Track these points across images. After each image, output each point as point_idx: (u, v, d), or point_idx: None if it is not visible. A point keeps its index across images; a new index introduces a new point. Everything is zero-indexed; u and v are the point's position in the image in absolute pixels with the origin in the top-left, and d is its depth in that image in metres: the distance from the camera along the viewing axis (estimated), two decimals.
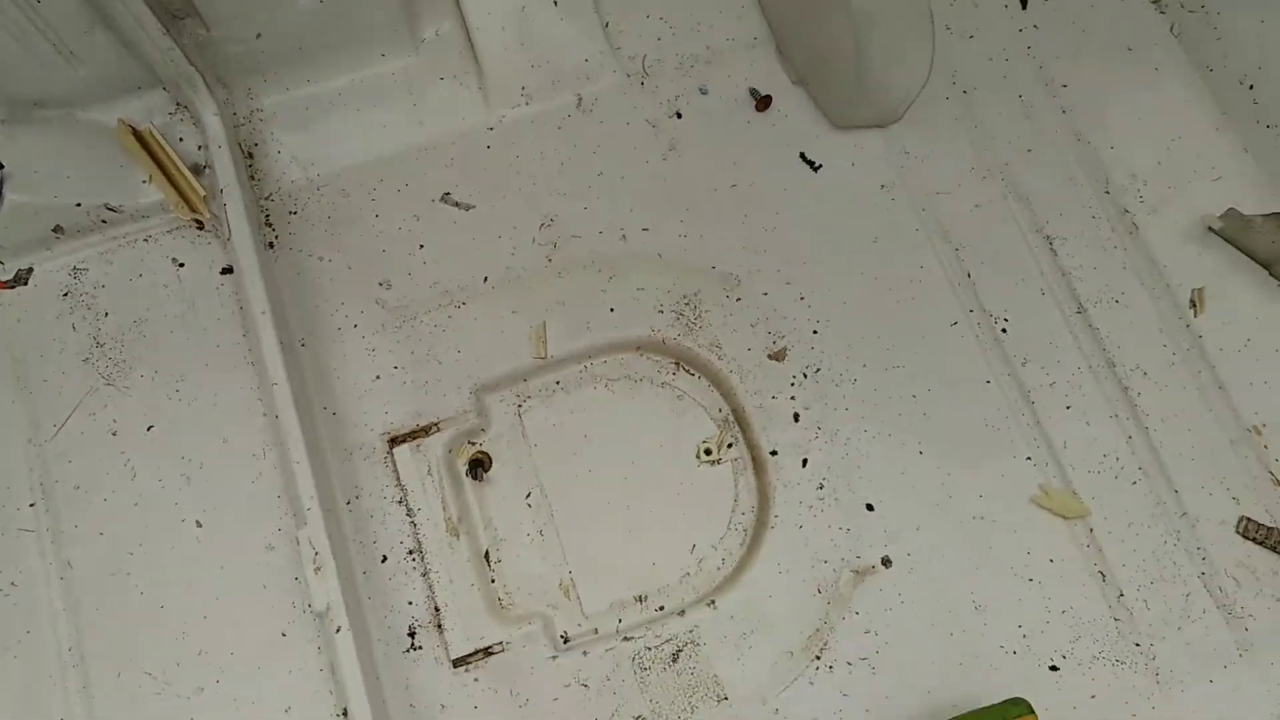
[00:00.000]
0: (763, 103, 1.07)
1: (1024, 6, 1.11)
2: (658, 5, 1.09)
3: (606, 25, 1.07)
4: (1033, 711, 0.81)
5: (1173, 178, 1.05)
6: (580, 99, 1.06)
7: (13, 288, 0.93)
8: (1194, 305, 1.00)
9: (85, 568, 0.89)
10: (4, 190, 0.90)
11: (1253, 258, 1.01)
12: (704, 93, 1.08)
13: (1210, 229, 1.02)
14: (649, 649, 0.89)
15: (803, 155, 1.05)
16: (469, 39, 1.03)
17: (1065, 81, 1.08)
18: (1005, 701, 0.81)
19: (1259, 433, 0.96)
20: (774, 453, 0.95)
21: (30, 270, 0.96)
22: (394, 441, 0.95)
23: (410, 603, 0.90)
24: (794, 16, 1.04)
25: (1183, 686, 0.88)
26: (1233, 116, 1.06)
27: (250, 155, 1.02)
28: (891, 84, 0.99)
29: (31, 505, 0.91)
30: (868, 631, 0.90)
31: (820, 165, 1.05)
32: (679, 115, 1.07)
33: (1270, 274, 1.01)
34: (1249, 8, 1.03)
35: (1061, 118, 1.07)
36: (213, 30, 0.93)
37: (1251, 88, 1.04)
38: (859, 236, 1.02)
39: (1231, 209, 1.00)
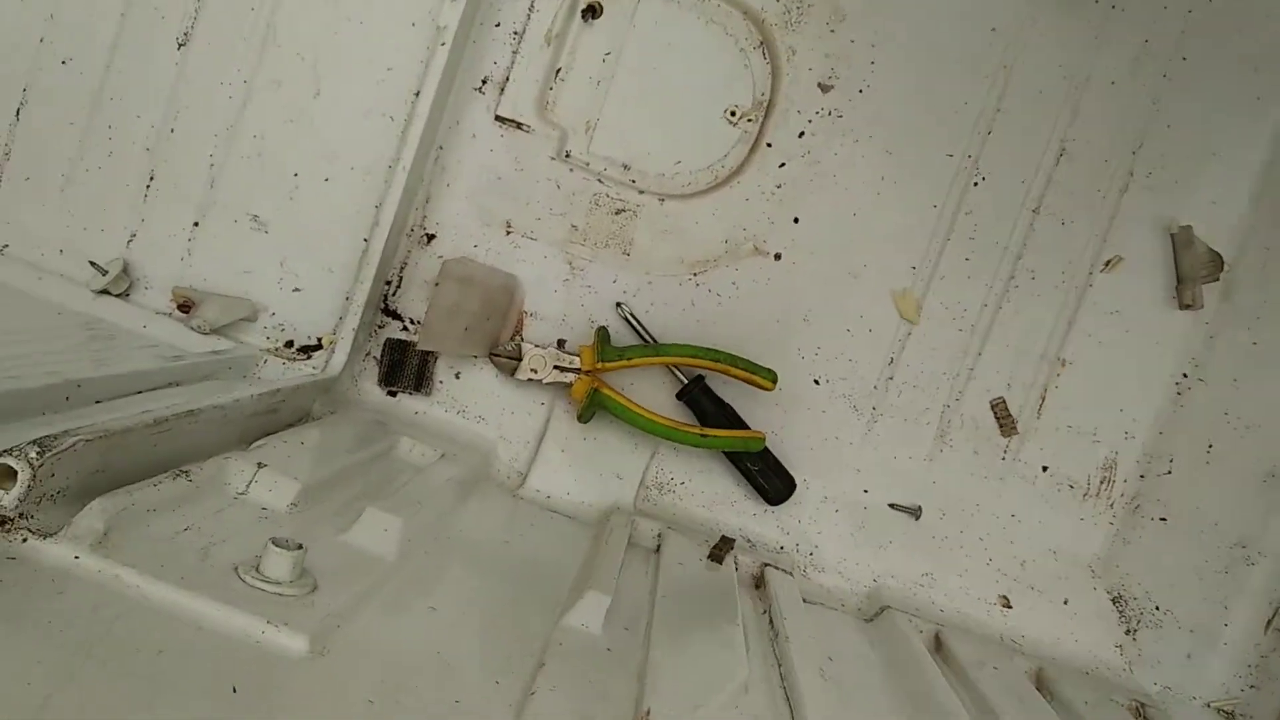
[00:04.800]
0: None
1: None
2: None
3: None
4: (773, 385, 1.21)
5: (1187, 178, 1.25)
6: None
7: None
8: (1108, 264, 1.26)
9: None
10: None
11: (1176, 268, 1.25)
12: None
13: (1170, 230, 1.25)
14: (608, 196, 1.28)
15: None
16: None
17: (1183, 60, 1.23)
18: (765, 366, 1.21)
19: (1063, 365, 1.27)
20: (769, 145, 1.27)
21: None
22: None
23: (495, 62, 1.27)
24: None
25: (877, 442, 1.28)
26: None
27: None
28: None
29: None
30: (733, 283, 1.27)
31: None
32: None
33: (1176, 286, 1.25)
34: None
35: (1160, 79, 1.24)
36: None
37: None
38: (948, 50, 1.24)
39: (1188, 226, 1.22)
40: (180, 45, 1.27)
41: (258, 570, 0.71)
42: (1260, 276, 1.24)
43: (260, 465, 0.88)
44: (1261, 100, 1.24)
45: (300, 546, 0.73)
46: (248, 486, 0.87)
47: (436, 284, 1.21)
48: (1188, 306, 1.24)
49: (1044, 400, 1.27)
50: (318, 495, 0.91)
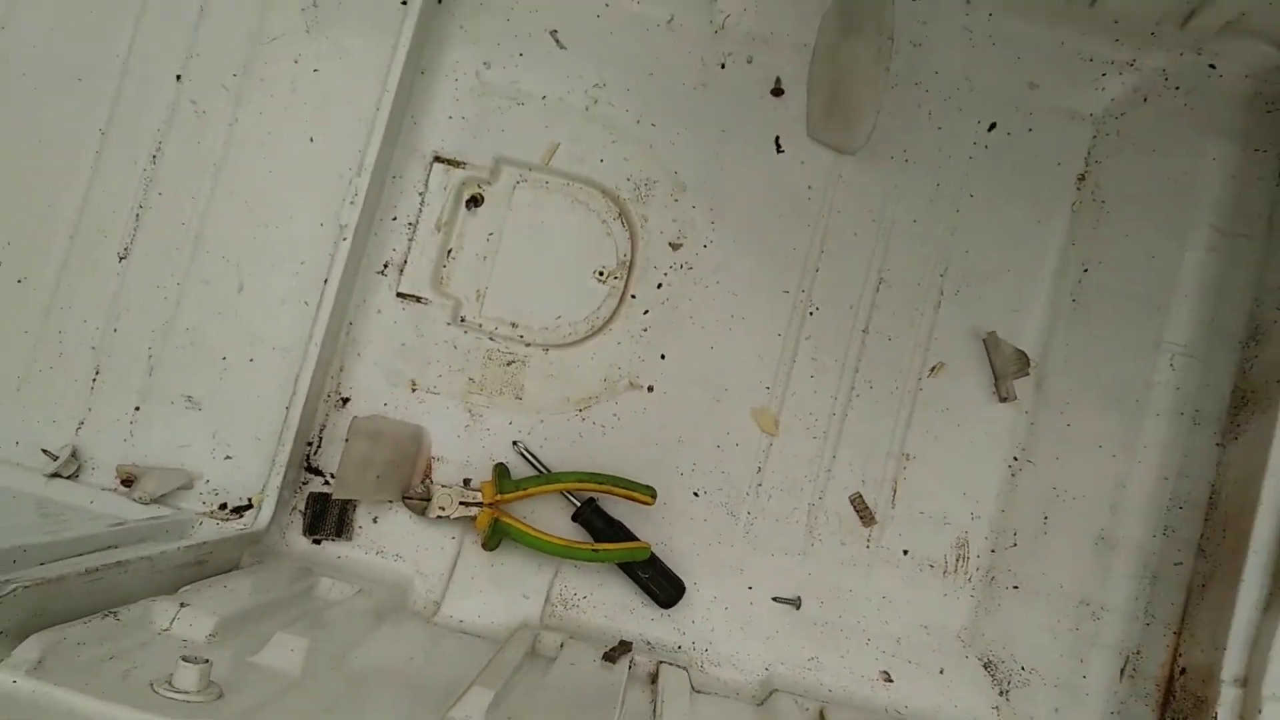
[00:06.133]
0: (778, 91, 1.50)
1: (991, 128, 1.49)
2: None
3: None
4: (653, 500, 1.37)
5: (988, 291, 1.46)
6: (672, 18, 1.51)
7: None
8: (932, 370, 1.45)
9: (212, 105, 1.49)
10: None
11: (991, 367, 1.45)
12: (749, 61, 1.50)
13: (981, 336, 1.45)
14: (499, 351, 1.47)
15: (776, 139, 1.49)
16: None
17: (970, 197, 1.48)
18: (644, 484, 1.37)
19: (907, 459, 1.44)
20: (633, 296, 1.48)
21: None
22: (437, 159, 1.50)
23: (394, 250, 1.48)
24: (824, 43, 1.46)
25: (754, 543, 1.43)
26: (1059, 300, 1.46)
27: None
28: (847, 129, 1.42)
29: (234, 76, 1.50)
30: (614, 415, 1.45)
31: (783, 151, 1.49)
32: (722, 66, 1.50)
33: (994, 383, 1.44)
34: None
35: (954, 213, 1.48)
36: None
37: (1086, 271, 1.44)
38: (773, 206, 1.48)
39: (994, 333, 1.43)
40: (121, 258, 1.48)
41: (170, 683, 0.85)
42: (1064, 368, 1.44)
43: (182, 605, 1.02)
44: (1041, 223, 1.47)
45: (207, 660, 0.86)
46: (171, 623, 1.00)
47: (347, 439, 1.37)
48: (1005, 399, 1.43)
49: (896, 491, 1.44)
50: (235, 628, 1.04)
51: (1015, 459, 1.44)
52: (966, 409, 1.45)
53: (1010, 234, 1.48)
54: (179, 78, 1.51)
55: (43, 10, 1.53)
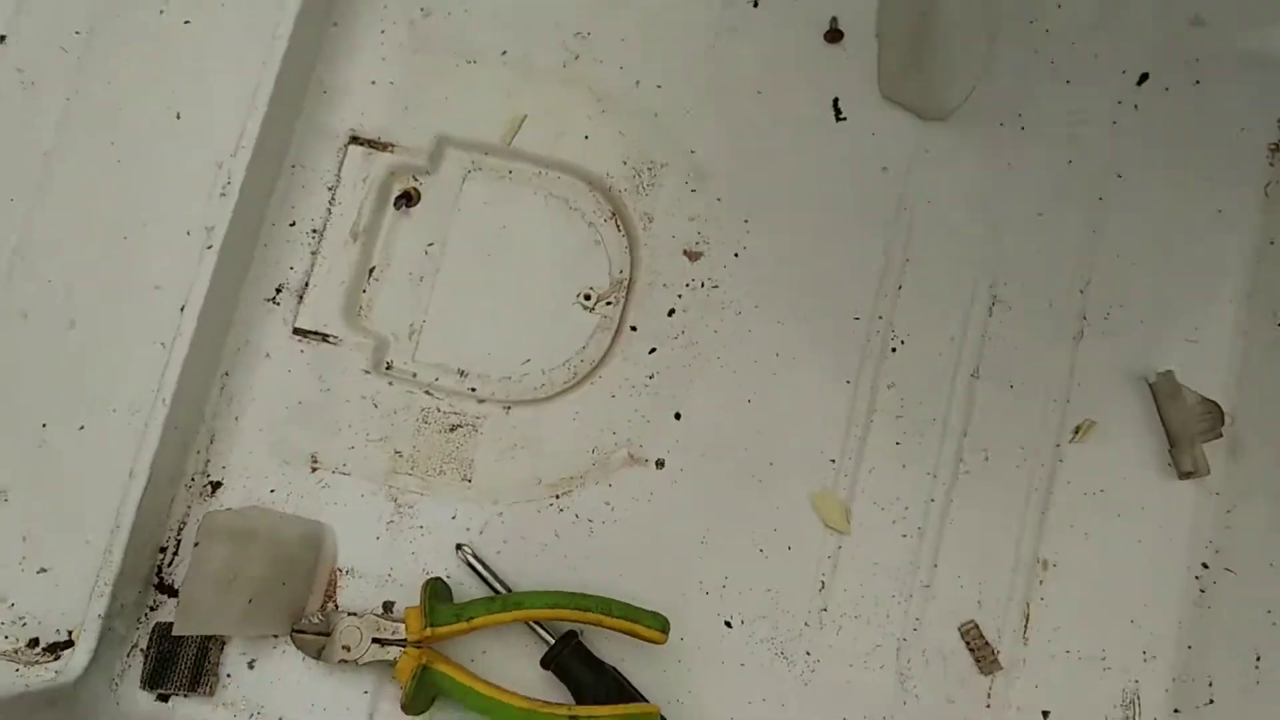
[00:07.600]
0: (833, 35, 1.06)
1: (1140, 81, 1.04)
2: None
3: None
4: (664, 636, 0.90)
5: (1154, 315, 1.00)
6: None
7: None
8: (1077, 431, 0.99)
9: (45, 72, 1.07)
10: None
11: (1164, 426, 0.98)
12: None
13: (1148, 380, 0.99)
14: (439, 411, 1.02)
15: (835, 102, 1.05)
16: None
17: (1118, 177, 1.03)
18: (650, 610, 0.91)
19: (1045, 568, 0.97)
20: (634, 328, 1.02)
21: None
22: (354, 140, 1.06)
23: (291, 268, 1.04)
24: None
25: (819, 699, 0.95)
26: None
27: None
28: (936, 86, 0.98)
29: (76, 33, 1.08)
30: (607, 503, 0.99)
31: (845, 119, 1.05)
32: (755, 4, 1.07)
33: (1170, 450, 0.97)
34: None
35: (1095, 202, 1.02)
36: None
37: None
38: (833, 197, 1.03)
39: (1169, 372, 0.96)
40: None
41: None
42: (1273, 425, 0.97)
43: None
44: (1223, 213, 1.02)
45: None
46: None
47: (196, 543, 0.91)
48: (1189, 474, 0.96)
49: (1029, 619, 0.96)
50: None
51: (1206, 566, 0.96)
52: (1129, 489, 0.97)
53: (1178, 230, 1.02)
54: (2, 39, 1.09)
55: None
